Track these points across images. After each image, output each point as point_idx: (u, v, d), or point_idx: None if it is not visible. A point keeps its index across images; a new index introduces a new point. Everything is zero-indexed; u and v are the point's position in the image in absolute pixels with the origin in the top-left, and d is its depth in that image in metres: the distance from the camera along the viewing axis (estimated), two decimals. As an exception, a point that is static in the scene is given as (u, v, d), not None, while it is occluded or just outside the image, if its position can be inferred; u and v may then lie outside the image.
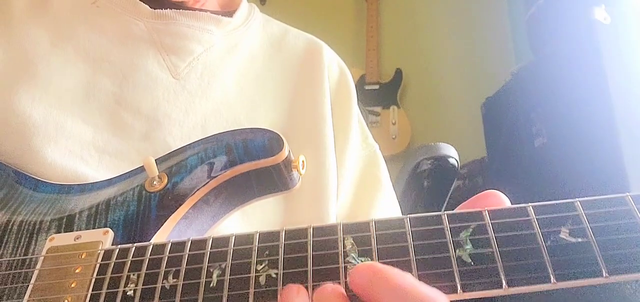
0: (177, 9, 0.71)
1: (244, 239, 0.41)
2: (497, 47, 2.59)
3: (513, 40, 2.60)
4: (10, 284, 0.45)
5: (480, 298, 0.35)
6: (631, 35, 1.70)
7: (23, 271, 0.46)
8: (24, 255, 0.47)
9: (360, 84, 2.65)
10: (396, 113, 2.60)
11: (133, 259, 0.43)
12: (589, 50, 1.66)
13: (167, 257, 0.42)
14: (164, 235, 0.49)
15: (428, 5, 2.81)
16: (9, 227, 0.51)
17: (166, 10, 0.70)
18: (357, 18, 2.88)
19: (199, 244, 0.42)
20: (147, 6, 0.70)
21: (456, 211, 0.39)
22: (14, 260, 0.47)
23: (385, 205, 0.75)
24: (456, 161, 1.72)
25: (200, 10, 0.73)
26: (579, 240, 0.35)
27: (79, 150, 0.61)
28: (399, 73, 2.70)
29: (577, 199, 0.36)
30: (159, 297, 0.40)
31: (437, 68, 2.71)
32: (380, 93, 2.65)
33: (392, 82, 2.69)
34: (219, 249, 0.41)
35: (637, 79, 1.61)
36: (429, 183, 1.67)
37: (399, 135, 2.56)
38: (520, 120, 1.97)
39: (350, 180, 0.75)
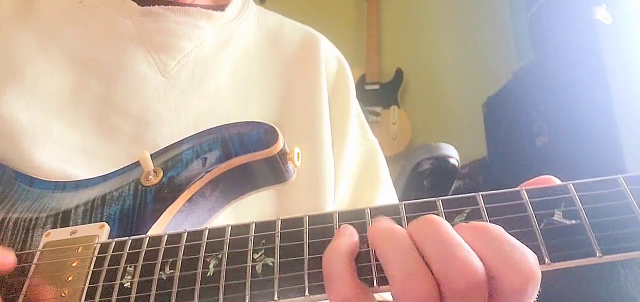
0: (165, 5, 0.69)
1: (240, 229, 0.42)
2: (498, 47, 2.59)
3: (514, 40, 2.59)
4: (8, 279, 0.45)
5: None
6: (632, 34, 1.69)
7: (20, 265, 0.46)
8: (21, 251, 0.47)
9: (360, 83, 2.64)
10: (396, 113, 2.60)
11: (129, 251, 0.43)
12: (590, 50, 1.66)
13: (163, 248, 0.42)
14: (160, 229, 0.49)
15: (428, 4, 2.80)
16: (5, 224, 0.51)
17: (154, 6, 0.68)
18: (357, 18, 2.87)
19: (195, 235, 0.42)
20: (135, 3, 0.68)
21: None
22: (10, 255, 0.47)
23: (386, 201, 0.74)
24: (457, 161, 1.73)
25: (190, 5, 0.70)
26: (573, 222, 0.35)
27: (67, 154, 0.60)
28: (399, 73, 2.70)
29: (570, 182, 0.36)
30: (156, 288, 0.40)
31: (438, 67, 2.70)
32: (381, 93, 2.64)
33: (393, 82, 2.68)
34: (215, 240, 0.41)
35: (638, 78, 1.61)
36: (429, 183, 1.68)
37: (399, 135, 2.55)
38: (522, 120, 1.96)
39: (349, 176, 0.74)
